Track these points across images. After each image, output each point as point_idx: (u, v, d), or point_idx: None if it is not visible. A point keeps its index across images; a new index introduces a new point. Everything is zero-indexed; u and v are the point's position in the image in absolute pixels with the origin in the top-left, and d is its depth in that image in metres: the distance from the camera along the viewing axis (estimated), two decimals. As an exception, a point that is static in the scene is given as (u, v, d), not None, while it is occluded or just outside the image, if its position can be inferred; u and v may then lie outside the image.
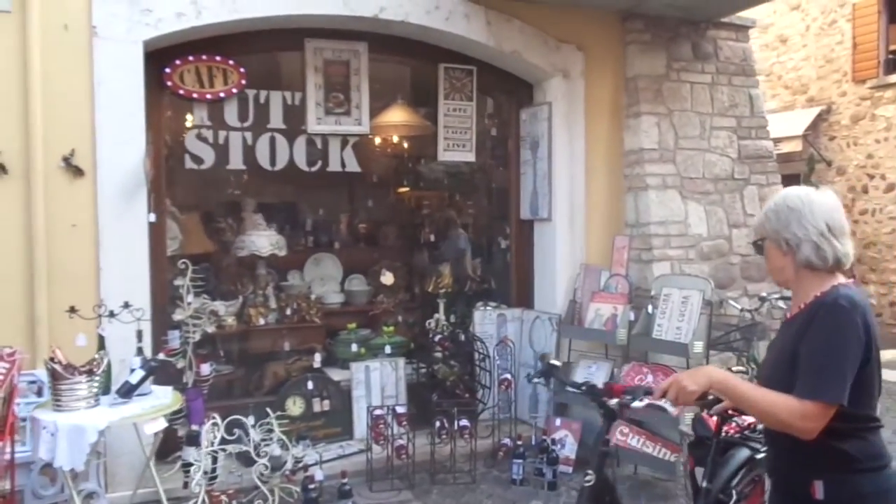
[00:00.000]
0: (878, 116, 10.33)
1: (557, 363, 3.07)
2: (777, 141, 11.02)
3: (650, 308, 4.78)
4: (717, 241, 5.45)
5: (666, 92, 5.41)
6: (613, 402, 2.45)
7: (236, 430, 3.88)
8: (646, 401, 2.28)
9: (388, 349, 5.22)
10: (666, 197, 5.30)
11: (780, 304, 5.05)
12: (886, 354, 8.16)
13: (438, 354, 5.25)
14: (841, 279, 1.84)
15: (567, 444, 4.87)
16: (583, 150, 5.38)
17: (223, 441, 3.89)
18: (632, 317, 4.85)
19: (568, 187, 5.34)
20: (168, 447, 4.02)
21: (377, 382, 5.07)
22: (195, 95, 4.53)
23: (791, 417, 1.70)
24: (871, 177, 10.43)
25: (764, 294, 5.13)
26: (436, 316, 5.51)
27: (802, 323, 1.81)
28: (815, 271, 1.82)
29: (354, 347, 5.24)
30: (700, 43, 5.59)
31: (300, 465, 4.14)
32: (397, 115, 5.61)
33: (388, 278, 5.99)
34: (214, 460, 3.84)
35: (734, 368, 4.87)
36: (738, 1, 5.40)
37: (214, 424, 3.77)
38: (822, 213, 1.80)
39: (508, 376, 5.13)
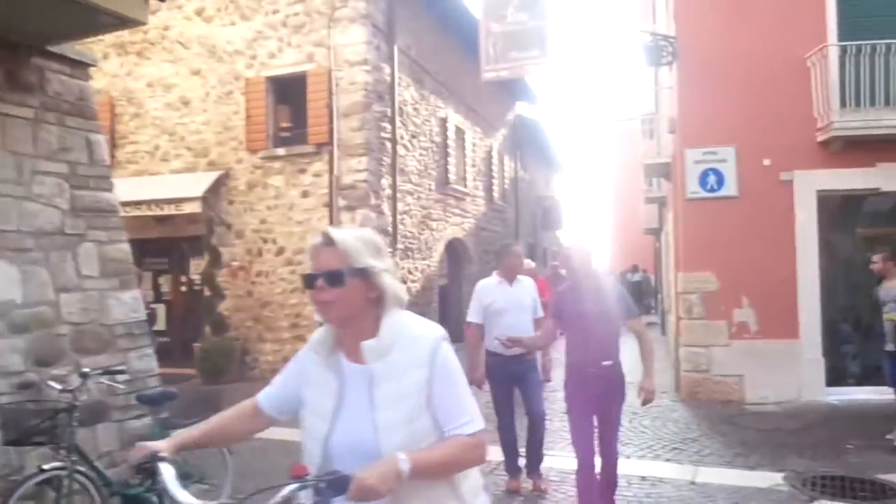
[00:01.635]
0: (269, 185, 11.08)
1: None
2: (180, 202, 10.81)
3: None
4: (38, 309, 4.47)
5: (-35, 120, 4.26)
6: None
7: None
8: None
9: None
10: (-42, 253, 4.08)
11: (104, 379, 4.35)
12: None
13: None
14: None
15: None
16: None
17: None
18: None
19: None
20: None
21: None
22: None
23: None
24: (265, 241, 11.06)
25: (87, 370, 4.34)
26: None
27: None
28: None
29: None
30: (19, 71, 4.62)
31: None
32: None
33: None
34: None
35: (47, 466, 3.96)
36: (54, 31, 4.60)
37: None
38: None
39: None
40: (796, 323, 8.14)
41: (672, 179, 9.34)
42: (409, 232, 12.21)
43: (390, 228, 11.22)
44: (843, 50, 7.91)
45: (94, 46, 12.17)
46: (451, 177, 14.24)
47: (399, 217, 11.66)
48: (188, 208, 10.72)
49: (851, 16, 8.15)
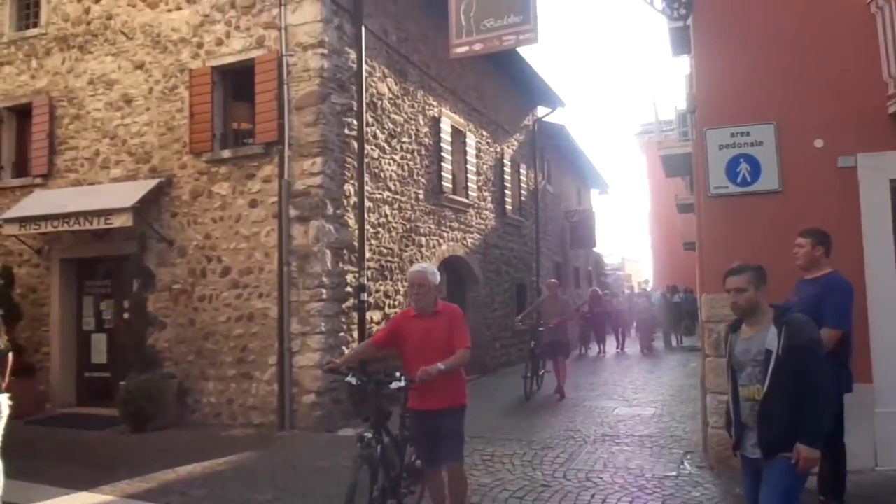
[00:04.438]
0: (214, 193, 9.39)
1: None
2: (108, 214, 9.21)
3: None
4: None
5: None
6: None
7: None
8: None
9: None
10: None
11: None
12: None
13: None
14: None
15: None
16: None
17: None
18: None
19: None
20: None
21: None
22: None
23: None
24: (210, 259, 9.35)
25: None
26: None
27: None
28: None
29: None
30: None
31: None
32: None
33: None
34: None
35: None
36: None
37: None
38: None
39: None
40: (868, 362, 5.90)
41: (694, 173, 7.25)
42: (387, 248, 10.33)
43: (356, 243, 9.37)
44: (924, -16, 5.74)
45: (36, 42, 10.85)
46: (447, 185, 12.33)
47: (373, 231, 9.82)
48: (118, 222, 9.10)
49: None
